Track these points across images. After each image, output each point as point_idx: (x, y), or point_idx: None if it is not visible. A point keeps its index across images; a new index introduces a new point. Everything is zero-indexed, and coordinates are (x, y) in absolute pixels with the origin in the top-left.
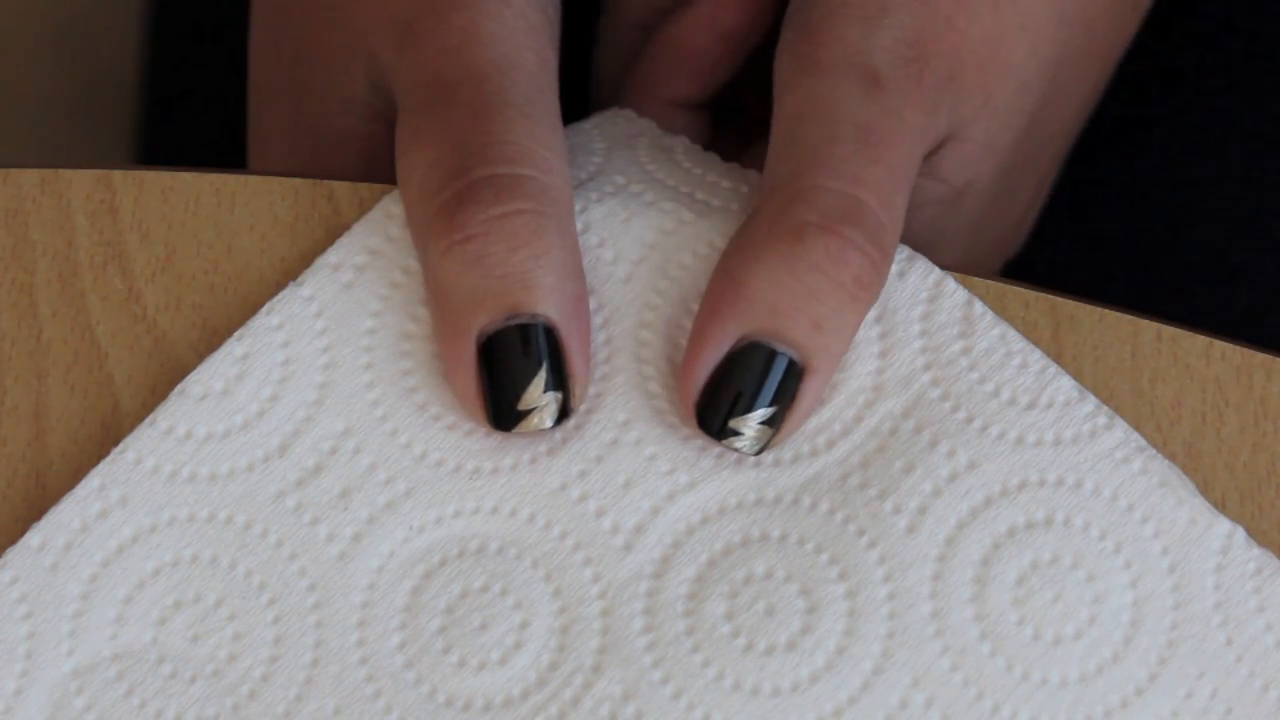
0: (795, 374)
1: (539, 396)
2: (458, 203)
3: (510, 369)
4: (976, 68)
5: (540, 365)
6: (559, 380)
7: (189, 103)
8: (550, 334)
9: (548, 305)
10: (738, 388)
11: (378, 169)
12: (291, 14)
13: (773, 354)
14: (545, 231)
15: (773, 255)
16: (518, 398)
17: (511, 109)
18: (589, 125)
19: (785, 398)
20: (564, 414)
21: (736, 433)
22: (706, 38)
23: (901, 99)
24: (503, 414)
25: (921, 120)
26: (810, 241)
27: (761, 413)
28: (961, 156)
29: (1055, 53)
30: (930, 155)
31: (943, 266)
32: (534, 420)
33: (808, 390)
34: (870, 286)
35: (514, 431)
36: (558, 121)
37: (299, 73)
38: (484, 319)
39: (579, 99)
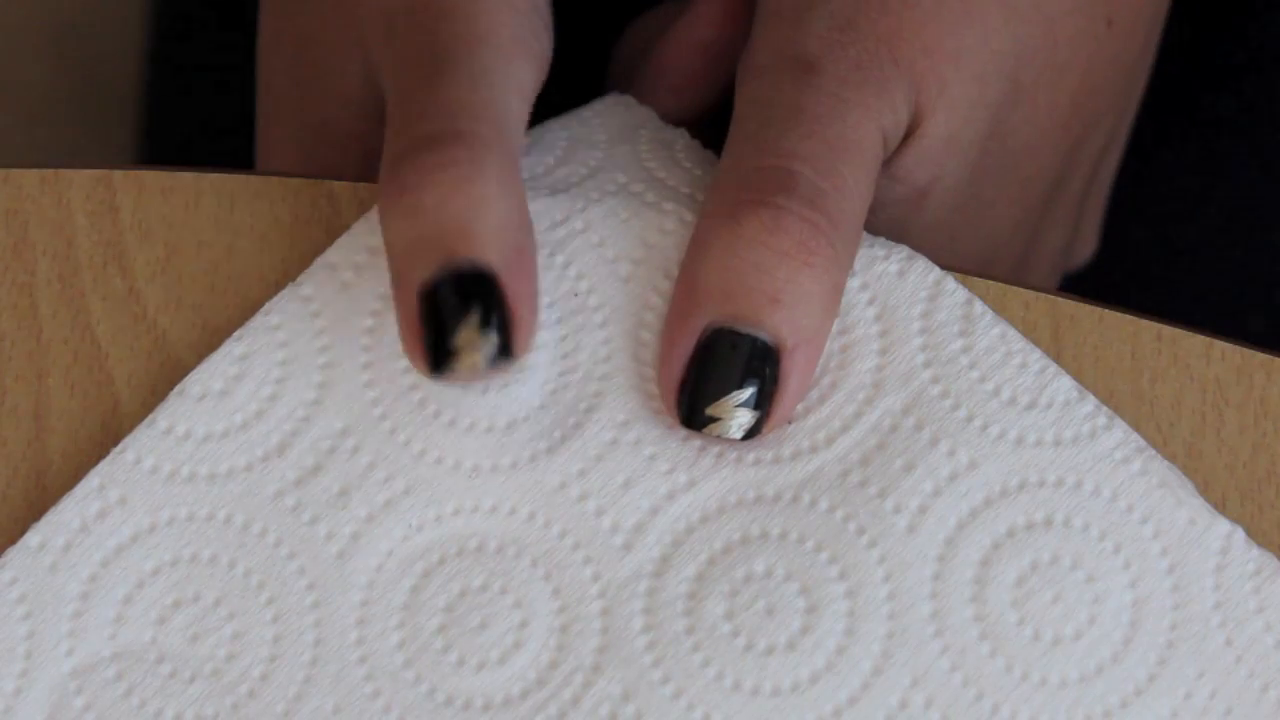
0: (769, 353)
1: (471, 337)
2: (399, 160)
3: (444, 313)
4: (923, 51)
5: (471, 307)
6: (498, 323)
7: (189, 102)
8: (487, 278)
9: (486, 250)
10: (708, 376)
11: (376, 168)
12: (295, 7)
13: (734, 335)
14: (482, 180)
15: (715, 242)
16: (452, 339)
17: (461, 69)
18: (590, 113)
19: (764, 379)
20: (505, 355)
21: (716, 419)
22: (683, 52)
23: (838, 81)
24: (438, 358)
25: (867, 99)
26: (744, 218)
27: (738, 395)
28: (920, 153)
29: (1010, 47)
30: (889, 157)
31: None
32: (465, 362)
33: (790, 368)
34: (819, 251)
35: (449, 375)
36: (515, 95)
37: (301, 68)
38: (423, 271)
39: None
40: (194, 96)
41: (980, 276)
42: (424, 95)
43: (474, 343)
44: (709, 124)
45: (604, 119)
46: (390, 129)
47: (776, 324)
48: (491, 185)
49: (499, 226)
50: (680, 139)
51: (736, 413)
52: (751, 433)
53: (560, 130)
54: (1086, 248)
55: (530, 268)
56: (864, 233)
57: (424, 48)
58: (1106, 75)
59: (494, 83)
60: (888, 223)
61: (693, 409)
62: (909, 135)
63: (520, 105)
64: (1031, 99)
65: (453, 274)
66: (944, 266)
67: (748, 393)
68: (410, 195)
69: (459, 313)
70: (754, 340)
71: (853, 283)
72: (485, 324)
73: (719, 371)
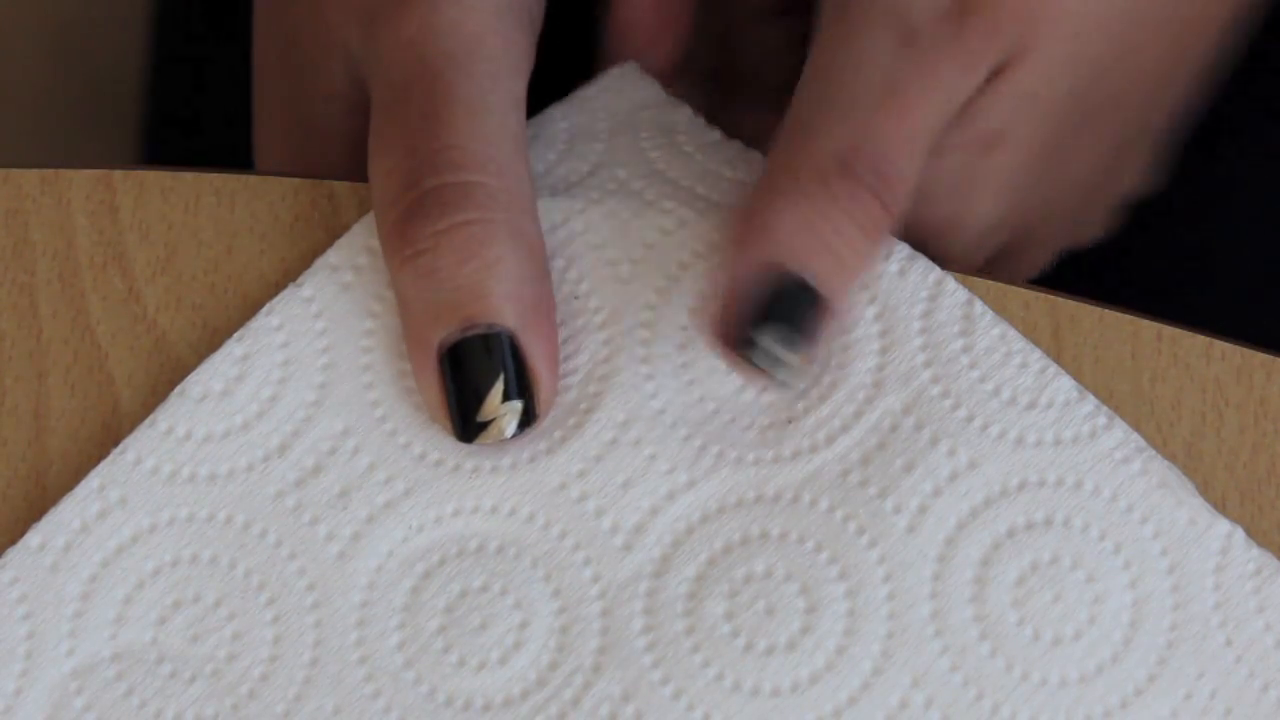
0: (818, 305)
1: (498, 406)
2: (408, 217)
3: (469, 381)
4: (1027, 20)
5: (498, 375)
6: (520, 387)
7: (190, 103)
8: (510, 341)
9: (503, 313)
10: (763, 307)
11: (364, 164)
12: (280, 6)
13: (796, 281)
14: (495, 239)
15: (796, 197)
16: (478, 409)
17: (460, 106)
18: (593, 92)
19: (809, 327)
20: (529, 419)
21: (753, 344)
22: (636, 10)
23: (936, 54)
24: (466, 425)
25: (955, 77)
26: (834, 185)
27: (777, 329)
28: (993, 100)
29: (1122, 5)
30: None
31: (983, 217)
32: (493, 431)
33: (823, 326)
34: (881, 228)
35: (476, 441)
36: (513, 112)
37: (288, 64)
38: (442, 331)
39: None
40: (194, 96)
41: (979, 276)
42: (425, 141)
43: (499, 412)
44: (712, 96)
45: (605, 100)
46: (387, 170)
47: (833, 284)
48: (504, 243)
49: (515, 283)
50: (683, 119)
51: (772, 347)
52: (769, 371)
53: (561, 120)
54: (1150, 180)
55: (548, 318)
56: None
57: (412, 69)
58: (1203, 18)
59: (493, 109)
60: (953, 167)
61: (740, 329)
62: (982, 86)
63: (519, 119)
64: (1137, 53)
65: (471, 339)
66: (1014, 217)
67: (791, 331)
68: (424, 257)
69: (482, 382)
70: (811, 290)
71: None
72: (508, 395)
73: (772, 304)
